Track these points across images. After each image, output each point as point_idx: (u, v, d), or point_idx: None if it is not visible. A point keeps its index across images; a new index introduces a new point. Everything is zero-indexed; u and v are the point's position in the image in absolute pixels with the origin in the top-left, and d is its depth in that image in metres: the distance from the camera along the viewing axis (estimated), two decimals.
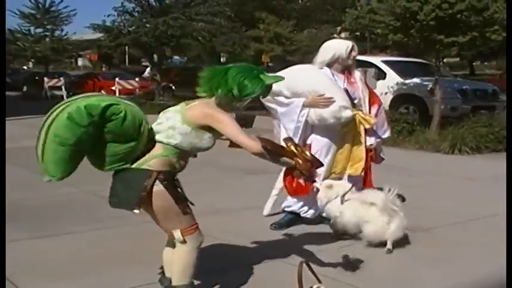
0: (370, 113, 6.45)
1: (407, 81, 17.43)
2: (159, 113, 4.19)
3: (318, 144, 6.28)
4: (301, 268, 4.21)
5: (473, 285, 5.01)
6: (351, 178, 6.39)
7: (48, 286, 4.83)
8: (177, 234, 4.09)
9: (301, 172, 4.33)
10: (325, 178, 6.21)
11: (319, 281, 4.29)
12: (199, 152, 4.23)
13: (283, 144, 4.41)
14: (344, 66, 6.37)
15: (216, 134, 4.07)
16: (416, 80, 17.47)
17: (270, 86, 4.21)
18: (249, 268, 5.27)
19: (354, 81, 6.43)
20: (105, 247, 5.88)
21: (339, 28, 54.05)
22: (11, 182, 8.20)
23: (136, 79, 32.16)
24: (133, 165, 3.98)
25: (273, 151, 4.18)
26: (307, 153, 4.41)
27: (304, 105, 6.12)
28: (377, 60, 18.47)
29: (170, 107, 4.21)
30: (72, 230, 6.40)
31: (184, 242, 4.10)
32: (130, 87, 30.85)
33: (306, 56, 40.57)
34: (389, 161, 6.98)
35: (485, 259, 5.55)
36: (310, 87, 6.11)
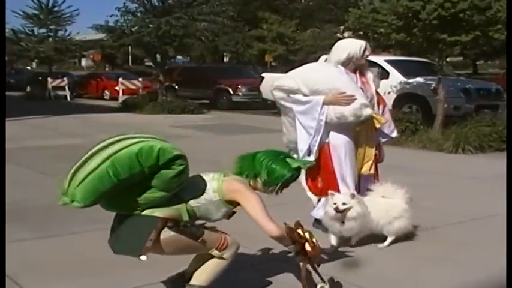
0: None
1: (410, 81, 17.45)
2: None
3: (337, 142, 6.18)
4: (305, 268, 4.23)
5: (476, 285, 5.00)
6: (363, 177, 6.35)
7: (52, 286, 4.84)
8: (216, 253, 4.18)
9: (307, 257, 4.38)
10: (355, 178, 6.26)
11: (323, 281, 4.30)
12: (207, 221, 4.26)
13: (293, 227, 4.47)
14: (357, 66, 6.31)
15: (233, 208, 4.22)
16: (419, 79, 17.48)
17: (299, 169, 4.30)
18: (257, 269, 5.29)
19: (365, 81, 6.36)
20: (109, 247, 5.87)
21: (341, 27, 54.07)
22: (13, 182, 8.22)
23: (140, 79, 32.18)
24: (145, 212, 3.95)
25: (288, 235, 4.29)
26: (314, 240, 4.43)
27: (324, 103, 6.01)
28: (380, 59, 18.46)
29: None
30: (76, 230, 6.41)
31: (223, 258, 4.21)
32: (133, 87, 30.88)
33: (309, 55, 40.63)
34: (392, 160, 6.98)
35: (488, 259, 5.55)
36: (331, 85, 6.02)
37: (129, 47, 46.93)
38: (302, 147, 6.20)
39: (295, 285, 4.90)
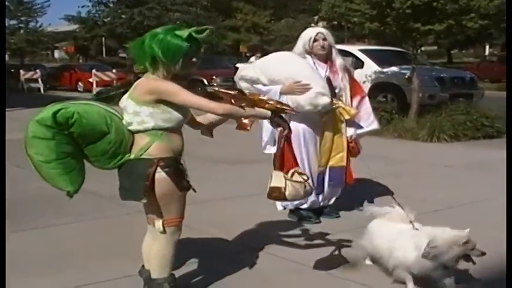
0: (351, 104, 6.36)
1: (385, 70, 17.45)
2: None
3: (296, 131, 5.98)
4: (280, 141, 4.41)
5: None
6: (333, 170, 6.35)
7: (29, 279, 4.78)
8: (158, 223, 4.08)
9: (277, 116, 4.31)
10: (313, 169, 6.24)
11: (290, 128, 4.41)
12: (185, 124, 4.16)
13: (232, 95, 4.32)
14: (319, 55, 6.30)
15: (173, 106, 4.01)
16: (394, 68, 17.49)
17: (197, 40, 3.99)
18: (230, 259, 5.28)
19: (335, 71, 6.34)
20: (86, 240, 5.85)
21: (316, 17, 54.14)
22: None
23: (114, 70, 31.97)
24: (132, 156, 3.96)
25: (236, 106, 4.15)
26: (263, 97, 4.39)
27: (281, 93, 5.99)
28: (354, 49, 18.45)
29: None
30: (53, 223, 6.36)
31: (163, 232, 4.08)
32: (107, 78, 30.70)
33: (284, 45, 40.59)
34: (368, 149, 6.96)
35: None
36: (288, 74, 6.01)
37: (103, 38, 46.57)
38: (264, 138, 6.26)
39: (274, 276, 4.90)
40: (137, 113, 3.93)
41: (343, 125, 6.32)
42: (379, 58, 18.11)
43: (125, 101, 4.01)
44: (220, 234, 5.97)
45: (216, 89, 4.36)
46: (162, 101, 3.91)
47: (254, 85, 6.13)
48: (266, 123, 6.15)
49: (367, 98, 6.60)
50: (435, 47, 56.13)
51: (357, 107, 6.38)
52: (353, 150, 6.41)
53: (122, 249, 5.44)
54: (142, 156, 3.94)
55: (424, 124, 13.44)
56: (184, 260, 4.98)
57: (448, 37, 16.87)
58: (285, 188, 4.31)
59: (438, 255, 4.22)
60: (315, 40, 6.28)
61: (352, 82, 6.53)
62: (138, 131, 3.96)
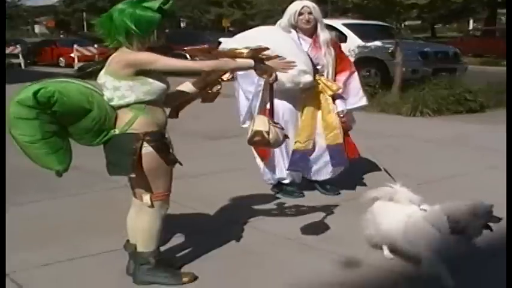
0: (335, 79, 6.29)
1: (368, 44, 17.41)
2: None
3: (276, 108, 5.95)
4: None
5: None
6: (330, 148, 6.27)
7: (11, 255, 4.72)
8: (146, 197, 4.08)
9: (260, 63, 4.28)
10: (289, 145, 6.19)
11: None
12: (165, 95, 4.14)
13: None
14: (304, 30, 6.22)
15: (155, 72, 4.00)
16: (377, 42, 17.46)
17: (165, 11, 3.97)
18: (213, 233, 5.29)
19: (319, 46, 6.24)
20: (72, 215, 5.84)
21: None
22: None
23: (95, 45, 31.74)
24: (118, 132, 3.95)
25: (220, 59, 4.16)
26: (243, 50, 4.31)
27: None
28: (337, 23, 18.38)
29: None
30: (37, 199, 6.36)
31: (151, 206, 4.09)
32: (89, 53, 30.50)
33: (267, 19, 40.48)
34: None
35: None
36: (271, 49, 5.93)
37: (83, 13, 46.25)
38: (242, 112, 6.21)
39: (257, 249, 4.90)
40: (117, 87, 3.90)
41: (330, 102, 6.25)
42: (362, 32, 18.07)
43: (103, 77, 3.98)
44: (202, 209, 5.97)
45: (191, 48, 4.29)
46: (141, 73, 3.89)
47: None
48: (242, 97, 6.12)
49: (356, 74, 6.50)
50: (419, 22, 56.07)
51: (345, 83, 6.30)
52: (344, 125, 6.33)
53: (108, 223, 5.43)
54: (128, 131, 3.93)
55: (407, 98, 13.44)
56: (167, 234, 4.97)
57: (432, 11, 16.81)
58: (268, 133, 4.30)
59: (465, 227, 4.09)
60: (300, 14, 6.18)
61: (340, 57, 6.43)
62: (121, 106, 3.94)
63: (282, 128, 4.48)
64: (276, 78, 4.46)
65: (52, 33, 68.18)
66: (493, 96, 14.24)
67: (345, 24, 18.50)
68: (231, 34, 35.69)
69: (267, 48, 4.36)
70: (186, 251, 4.88)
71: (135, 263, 4.27)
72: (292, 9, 6.25)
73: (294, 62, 5.75)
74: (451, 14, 45.65)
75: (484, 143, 9.57)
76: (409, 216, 4.40)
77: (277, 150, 6.20)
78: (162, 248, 4.49)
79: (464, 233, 4.11)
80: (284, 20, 6.27)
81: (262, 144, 4.51)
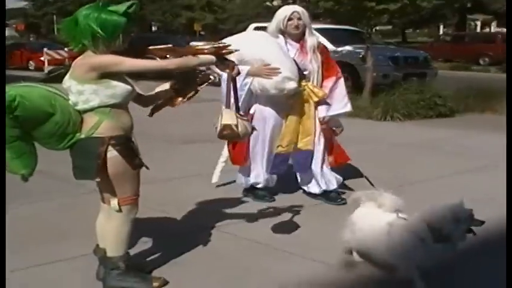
0: (322, 85, 6.24)
1: (339, 49, 17.47)
2: None
3: (261, 114, 6.15)
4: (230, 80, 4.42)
5: None
6: (300, 152, 6.26)
7: None
8: (114, 202, 4.05)
9: (222, 58, 4.26)
10: (271, 151, 6.22)
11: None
12: (131, 100, 4.13)
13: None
14: (293, 35, 6.17)
15: (119, 75, 3.99)
16: (348, 47, 17.53)
17: (128, 13, 3.95)
18: (184, 238, 5.27)
19: (306, 52, 6.19)
20: (40, 221, 5.78)
21: None
22: None
23: (66, 49, 31.51)
24: (83, 136, 3.93)
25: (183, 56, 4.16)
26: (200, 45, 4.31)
27: (249, 74, 5.88)
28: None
29: None
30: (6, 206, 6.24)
31: (119, 211, 4.07)
32: (59, 57, 30.23)
33: (238, 24, 40.52)
34: None
35: None
36: (257, 56, 5.88)
37: (54, 16, 45.90)
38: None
39: (227, 254, 4.89)
40: (81, 91, 3.88)
41: (312, 108, 6.22)
42: (333, 37, 18.10)
43: (68, 81, 3.96)
44: (174, 213, 5.94)
45: (154, 47, 4.29)
46: (105, 76, 3.87)
47: None
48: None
49: (342, 80, 6.42)
50: (389, 27, 56.55)
51: (331, 89, 6.25)
52: (325, 131, 6.32)
53: (77, 228, 5.38)
54: (93, 135, 3.90)
55: (378, 103, 13.50)
56: (138, 239, 4.97)
57: (402, 17, 16.94)
58: (236, 126, 4.33)
59: (449, 234, 4.03)
60: (290, 19, 6.11)
61: (328, 62, 6.37)
62: (86, 110, 3.92)
63: (249, 120, 4.49)
64: (239, 72, 4.47)
65: (22, 37, 67.53)
66: (463, 101, 14.36)
67: (315, 29, 18.47)
68: (203, 38, 35.62)
69: (229, 45, 4.31)
70: (157, 255, 4.85)
71: (105, 268, 4.24)
72: (282, 14, 6.18)
73: (278, 69, 5.79)
74: (422, 20, 46.03)
75: (455, 147, 9.65)
76: (390, 225, 4.30)
77: (257, 156, 6.24)
78: (133, 253, 4.46)
79: (448, 240, 4.06)
80: (273, 25, 6.20)
81: (232, 138, 4.51)
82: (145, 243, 5.04)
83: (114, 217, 4.11)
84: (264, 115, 6.12)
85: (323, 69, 6.26)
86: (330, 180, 6.39)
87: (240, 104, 5.93)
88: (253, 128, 4.61)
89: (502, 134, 10.60)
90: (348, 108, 6.45)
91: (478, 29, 63.42)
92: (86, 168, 3.95)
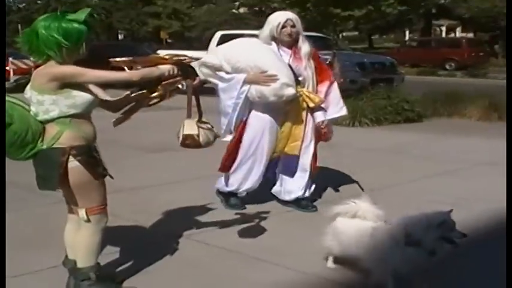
0: (317, 91, 6.17)
1: None
2: None
3: (259, 122, 6.06)
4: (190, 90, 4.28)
5: None
6: (286, 157, 6.25)
7: None
8: (82, 212, 4.01)
9: (182, 68, 4.22)
10: (268, 158, 6.16)
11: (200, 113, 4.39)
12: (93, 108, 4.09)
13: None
14: (285, 42, 6.09)
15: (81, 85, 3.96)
16: None
17: (88, 21, 3.93)
18: (156, 246, 5.23)
19: (299, 57, 6.10)
20: (7, 232, 5.67)
21: (237, 3, 54.13)
22: None
23: (31, 58, 31.18)
24: (45, 146, 3.89)
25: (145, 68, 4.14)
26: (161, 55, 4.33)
27: (246, 82, 5.79)
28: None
29: None
30: None
31: (88, 221, 4.03)
32: (25, 66, 29.87)
33: (205, 31, 40.48)
34: None
35: None
36: (252, 63, 5.79)
37: (18, 25, 45.47)
38: (222, 125, 6.06)
39: (198, 261, 4.87)
40: (41, 102, 3.85)
41: (304, 113, 6.16)
42: None
43: (29, 92, 3.93)
44: (144, 222, 5.90)
45: (115, 60, 4.26)
46: (66, 86, 3.84)
47: (217, 72, 5.93)
48: (223, 112, 6.05)
49: (335, 84, 6.40)
50: (356, 33, 57.06)
51: (326, 93, 6.22)
52: (325, 135, 6.33)
53: (45, 239, 5.32)
54: (54, 146, 3.88)
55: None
56: (109, 248, 4.91)
57: (368, 22, 17.19)
58: (198, 135, 4.31)
59: (419, 240, 4.01)
60: (283, 26, 6.01)
61: (320, 67, 6.30)
62: (46, 121, 3.89)
63: (212, 128, 4.46)
64: (202, 83, 4.48)
65: None
66: (430, 105, 14.46)
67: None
68: (170, 46, 35.53)
69: (187, 56, 4.28)
70: (128, 264, 4.81)
71: (75, 279, 4.18)
72: (275, 21, 6.08)
73: (276, 76, 5.72)
74: (388, 25, 46.41)
75: (424, 151, 9.72)
76: (374, 229, 4.30)
77: (249, 162, 6.15)
78: (104, 262, 4.41)
79: (418, 245, 4.04)
80: (265, 32, 6.09)
81: (194, 146, 4.47)
82: (116, 253, 5.00)
83: (84, 227, 4.07)
84: (262, 122, 6.05)
85: (316, 74, 6.21)
86: (307, 187, 6.35)
87: (236, 113, 5.95)
88: (216, 136, 4.56)
89: (470, 138, 10.76)
90: (344, 111, 6.48)
91: (444, 34, 64.06)
92: (48, 178, 3.93)
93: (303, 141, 6.22)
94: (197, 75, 4.42)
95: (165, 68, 4.14)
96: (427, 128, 12.47)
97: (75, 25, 3.85)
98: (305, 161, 6.27)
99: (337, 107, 6.34)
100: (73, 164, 3.88)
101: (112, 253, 4.96)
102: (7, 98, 3.87)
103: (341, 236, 4.52)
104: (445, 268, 4.39)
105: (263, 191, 6.50)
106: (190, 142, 4.35)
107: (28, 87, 3.95)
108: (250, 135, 6.07)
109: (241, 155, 6.14)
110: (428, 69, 32.49)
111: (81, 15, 3.89)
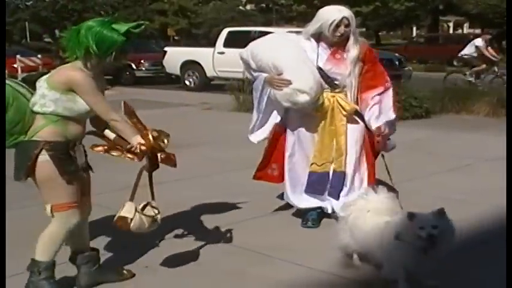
0: (362, 97, 5.55)
1: None
2: None
3: (292, 126, 5.69)
4: (140, 175, 4.21)
5: None
6: (335, 174, 5.64)
7: None
8: (47, 208, 4.04)
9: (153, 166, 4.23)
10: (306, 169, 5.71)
11: (153, 198, 4.34)
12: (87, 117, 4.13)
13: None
14: (332, 42, 5.47)
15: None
16: None
17: (129, 32, 3.96)
18: (159, 243, 5.27)
19: (340, 58, 5.48)
20: (7, 230, 5.65)
21: (244, 0, 54.13)
22: None
23: (39, 56, 31.30)
24: (26, 138, 3.96)
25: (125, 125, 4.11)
26: (150, 134, 4.16)
27: (266, 82, 5.42)
28: (282, 31, 18.44)
29: None
30: None
31: (52, 217, 4.05)
32: (32, 64, 30.01)
33: (212, 28, 40.45)
34: None
35: None
36: (271, 62, 5.36)
37: (26, 23, 45.58)
38: (251, 121, 5.84)
39: (199, 258, 4.87)
40: (44, 95, 3.93)
41: (344, 123, 5.56)
42: None
43: (41, 81, 4.01)
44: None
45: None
46: (73, 90, 3.91)
47: (248, 69, 5.69)
48: (254, 111, 5.78)
49: (390, 90, 5.71)
50: (363, 29, 56.71)
51: (378, 100, 5.56)
52: (378, 144, 5.65)
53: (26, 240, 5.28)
54: (33, 138, 3.94)
55: None
56: (113, 245, 4.99)
57: (375, 19, 17.07)
58: (131, 220, 4.15)
59: (399, 234, 3.98)
60: (337, 25, 5.34)
61: (374, 71, 5.66)
62: (38, 113, 3.95)
63: (156, 215, 4.30)
64: (155, 167, 4.27)
65: None
66: (438, 101, 14.41)
67: (289, 32, 18.54)
68: (177, 43, 35.47)
69: (133, 157, 4.15)
70: (132, 261, 4.82)
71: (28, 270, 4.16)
72: (329, 18, 5.36)
73: (287, 80, 5.25)
74: (395, 22, 46.31)
75: (432, 148, 9.68)
76: (387, 223, 4.22)
77: (293, 172, 5.75)
78: (109, 259, 4.44)
79: (398, 239, 3.99)
80: (314, 26, 5.44)
81: (125, 229, 4.22)
82: (120, 250, 5.01)
83: (53, 222, 4.09)
84: (294, 127, 5.66)
85: (367, 79, 5.59)
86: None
87: (261, 114, 5.64)
88: (157, 224, 4.35)
89: (479, 134, 10.72)
90: (389, 116, 5.68)
91: (451, 31, 63.92)
92: (18, 168, 3.98)
93: (346, 154, 5.64)
94: (157, 168, 4.25)
95: (135, 141, 4.07)
96: (435, 124, 12.41)
97: (114, 35, 3.90)
98: (350, 177, 5.69)
99: (386, 115, 5.61)
100: (43, 158, 3.92)
101: (116, 250, 4.99)
102: (13, 85, 3.98)
103: (356, 231, 4.45)
104: (453, 265, 4.38)
105: (273, 189, 6.47)
106: (121, 224, 4.18)
107: (44, 77, 4.02)
108: (290, 141, 5.71)
109: (286, 164, 5.76)
110: (436, 66, 32.39)
111: (125, 26, 3.94)
